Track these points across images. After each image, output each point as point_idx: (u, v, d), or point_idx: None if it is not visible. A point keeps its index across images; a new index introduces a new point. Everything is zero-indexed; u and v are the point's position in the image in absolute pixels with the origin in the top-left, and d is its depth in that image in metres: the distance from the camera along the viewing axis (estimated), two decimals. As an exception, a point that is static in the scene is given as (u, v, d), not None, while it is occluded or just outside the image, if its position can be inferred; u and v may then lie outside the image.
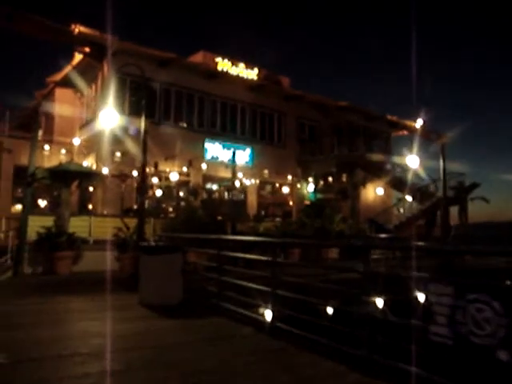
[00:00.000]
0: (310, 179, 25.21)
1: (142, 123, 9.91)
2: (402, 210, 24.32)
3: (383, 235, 18.11)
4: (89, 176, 12.25)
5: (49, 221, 11.86)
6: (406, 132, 32.47)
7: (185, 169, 19.25)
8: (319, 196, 25.71)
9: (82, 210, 16.22)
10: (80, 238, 11.87)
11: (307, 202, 25.65)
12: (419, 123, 30.98)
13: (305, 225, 16.55)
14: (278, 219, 19.93)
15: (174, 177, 19.23)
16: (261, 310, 5.83)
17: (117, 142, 16.77)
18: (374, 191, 26.73)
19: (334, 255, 17.02)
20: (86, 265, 12.06)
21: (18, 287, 9.73)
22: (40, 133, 17.68)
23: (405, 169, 22.21)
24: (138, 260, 10.40)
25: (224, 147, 22.03)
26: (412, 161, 16.84)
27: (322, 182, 25.52)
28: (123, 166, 17.69)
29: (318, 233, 16.95)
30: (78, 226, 12.41)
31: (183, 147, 19.86)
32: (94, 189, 17.54)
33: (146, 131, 9.96)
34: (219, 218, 14.64)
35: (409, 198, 26.62)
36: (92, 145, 17.89)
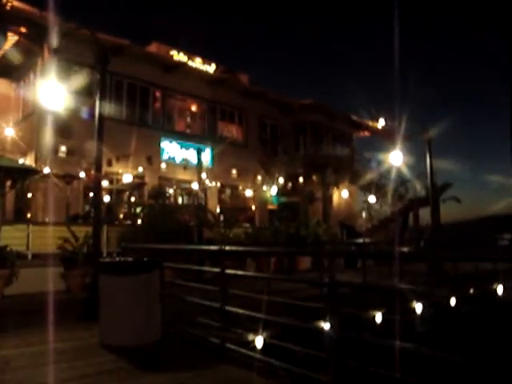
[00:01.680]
0: (275, 181, 23.55)
1: (97, 106, 7.75)
2: (371, 213, 23.08)
3: (360, 240, 16.65)
4: (25, 173, 9.77)
5: (-27, 231, 9.40)
6: (367, 133, 31.60)
7: (141, 169, 16.97)
8: (283, 199, 24.10)
9: (19, 218, 13.61)
10: (15, 253, 9.44)
11: (271, 206, 24.03)
12: (381, 123, 30.37)
13: (278, 231, 14.76)
14: (247, 225, 18.02)
15: (128, 178, 16.92)
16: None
17: (62, 132, 14.33)
18: (339, 193, 25.42)
19: (307, 264, 15.38)
20: (23, 285, 9.63)
21: None
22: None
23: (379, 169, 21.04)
24: (91, 279, 8.25)
25: (182, 147, 19.92)
26: (395, 158, 15.50)
27: (286, 184, 23.88)
28: (68, 166, 15.21)
29: (293, 239, 15.23)
30: (12, 237, 9.96)
31: (137, 146, 17.58)
32: (33, 192, 14.93)
33: (101, 116, 7.81)
34: (189, 223, 12.59)
35: (372, 200, 25.59)
36: (30, 141, 15.28)
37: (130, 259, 5.29)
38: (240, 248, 6.54)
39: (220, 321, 4.66)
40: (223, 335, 4.48)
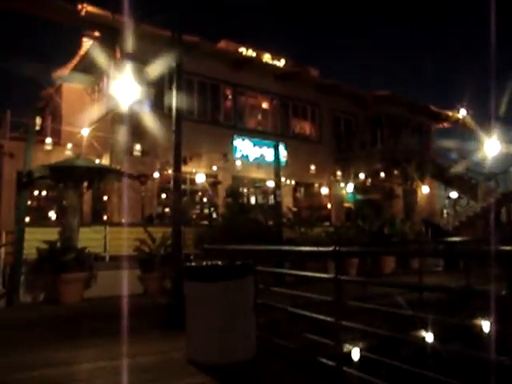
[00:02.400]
0: (352, 178, 22.36)
1: (174, 96, 7.17)
2: (457, 209, 21.25)
3: (454, 238, 15.11)
4: (103, 173, 9.45)
5: (53, 233, 9.18)
6: (446, 124, 29.48)
7: (215, 168, 16.50)
8: (360, 197, 22.83)
9: (96, 220, 13.52)
10: (93, 255, 9.15)
11: (347, 204, 22.87)
12: (462, 113, 28.14)
13: (363, 230, 13.68)
14: (326, 223, 17.05)
15: (201, 178, 16.52)
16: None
17: (136, 132, 14.16)
18: (420, 189, 23.72)
19: (391, 265, 14.15)
20: (101, 288, 9.34)
21: (6, 326, 7.00)
22: (49, 140, 15.01)
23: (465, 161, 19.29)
24: (171, 283, 7.72)
25: (255, 144, 19.26)
26: (491, 147, 13.88)
27: (364, 181, 22.59)
28: (143, 166, 15.00)
29: (377, 238, 14.09)
30: (90, 238, 9.71)
31: (210, 145, 17.14)
32: (109, 194, 14.87)
33: (179, 114, 7.23)
34: (267, 223, 11.87)
35: (454, 195, 23.69)
36: (105, 142, 15.25)
37: (219, 263, 4.56)
38: (356, 248, 5.62)
39: (329, 336, 3.81)
40: (337, 354, 3.62)
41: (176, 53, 7.42)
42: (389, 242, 13.95)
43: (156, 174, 15.20)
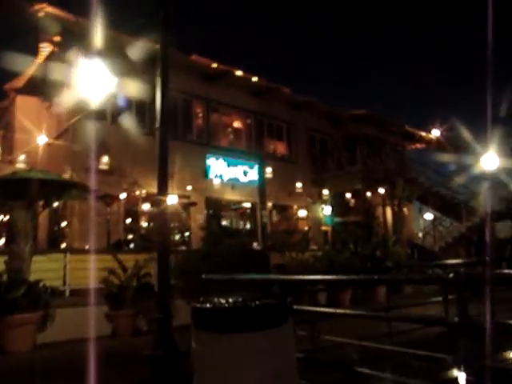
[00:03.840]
0: (328, 200, 21.30)
1: (159, 86, 5.71)
2: (441, 230, 20.46)
3: (455, 261, 14.08)
4: (63, 188, 7.65)
5: (-2, 263, 7.43)
6: (419, 145, 29.19)
7: (189, 187, 14.99)
8: (337, 219, 21.77)
9: (53, 246, 11.69)
10: (49, 289, 7.41)
11: (325, 228, 21.75)
12: (435, 133, 27.81)
13: (355, 253, 12.45)
14: (313, 247, 15.71)
15: (173, 200, 14.94)
16: None
17: (100, 149, 12.57)
18: (402, 210, 22.90)
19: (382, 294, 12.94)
20: (60, 331, 7.58)
21: None
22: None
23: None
24: (147, 324, 6.21)
25: (229, 164, 17.91)
26: (489, 162, 13.06)
27: (342, 202, 21.55)
28: (107, 187, 13.31)
29: (369, 262, 12.88)
30: (46, 269, 7.97)
31: (181, 164, 15.62)
32: (69, 217, 13.07)
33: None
34: (252, 247, 10.47)
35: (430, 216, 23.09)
36: (64, 159, 13.50)
37: (242, 301, 3.08)
38: (398, 277, 4.27)
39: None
40: None
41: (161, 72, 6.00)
42: (385, 268, 12.76)
43: (123, 195, 13.56)
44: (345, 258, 11.74)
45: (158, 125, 5.54)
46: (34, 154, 13.21)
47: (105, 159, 12.75)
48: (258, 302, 2.85)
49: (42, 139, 13.11)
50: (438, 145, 27.45)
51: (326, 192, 21.26)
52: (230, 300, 2.97)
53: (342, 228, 17.64)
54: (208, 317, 2.89)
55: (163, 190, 5.40)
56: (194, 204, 14.45)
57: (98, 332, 7.88)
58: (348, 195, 21.29)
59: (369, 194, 19.47)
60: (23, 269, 7.32)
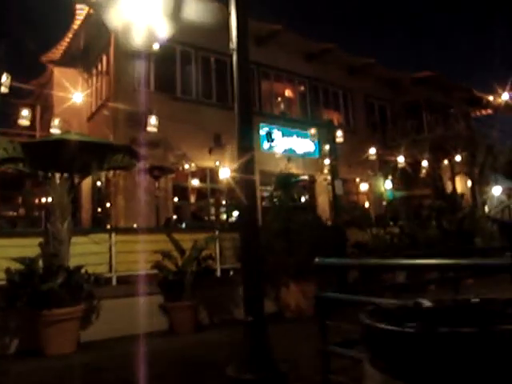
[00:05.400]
0: (390, 172, 19.33)
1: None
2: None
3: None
4: (107, 153, 6.04)
5: (32, 246, 6.11)
6: (484, 111, 26.46)
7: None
8: (399, 194, 19.79)
9: (96, 224, 10.43)
10: (92, 276, 6.04)
11: (386, 203, 19.83)
12: (505, 98, 25.05)
13: (443, 229, 10.59)
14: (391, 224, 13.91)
15: (225, 174, 13.48)
16: None
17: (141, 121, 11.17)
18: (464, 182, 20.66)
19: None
20: (106, 327, 6.24)
21: None
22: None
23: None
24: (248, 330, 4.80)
25: (284, 134, 16.22)
26: None
27: (405, 175, 19.51)
28: (152, 161, 11.89)
29: (454, 238, 10.98)
30: (88, 252, 6.63)
31: (232, 134, 14.08)
32: (114, 195, 11.78)
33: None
34: (326, 223, 8.85)
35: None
36: (105, 134, 12.10)
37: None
38: None
39: None
40: None
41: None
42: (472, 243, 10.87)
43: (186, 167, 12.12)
44: (433, 234, 9.92)
45: (232, 45, 3.92)
46: (74, 127, 11.94)
47: (150, 129, 11.26)
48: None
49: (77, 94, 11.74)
50: (508, 110, 24.72)
51: (386, 164, 19.30)
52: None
53: (402, 202, 15.76)
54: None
55: (247, 142, 3.86)
56: (250, 177, 12.83)
57: (152, 327, 6.54)
58: (413, 166, 19.19)
59: (433, 165, 17.32)
60: (61, 253, 5.96)
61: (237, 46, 3.89)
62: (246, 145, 3.81)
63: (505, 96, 24.77)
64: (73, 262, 5.97)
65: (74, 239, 6.27)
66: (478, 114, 26.41)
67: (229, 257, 7.92)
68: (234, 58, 3.95)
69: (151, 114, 10.91)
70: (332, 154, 9.67)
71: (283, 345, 3.96)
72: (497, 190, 21.62)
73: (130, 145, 6.99)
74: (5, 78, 6.99)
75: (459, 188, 19.90)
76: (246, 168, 3.81)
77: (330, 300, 2.98)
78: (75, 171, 6.09)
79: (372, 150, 16.85)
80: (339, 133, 12.95)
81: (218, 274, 7.87)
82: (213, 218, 14.76)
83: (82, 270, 5.97)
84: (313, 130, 12.14)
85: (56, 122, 9.93)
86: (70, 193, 6.03)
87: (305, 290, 7.28)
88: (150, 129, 10.81)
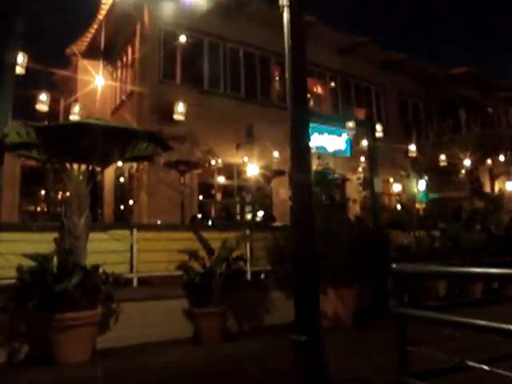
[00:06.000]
0: (423, 173, 18.45)
1: None
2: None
3: None
4: (129, 139, 5.39)
5: (46, 242, 5.56)
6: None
7: (276, 154, 12.76)
8: (433, 195, 18.87)
9: (118, 220, 9.89)
10: (111, 277, 5.44)
11: (419, 205, 18.91)
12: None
13: (488, 232, 9.70)
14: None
15: (253, 170, 12.83)
16: None
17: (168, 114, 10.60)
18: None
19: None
20: (125, 333, 5.62)
21: None
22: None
23: None
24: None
25: (314, 131, 15.48)
26: None
27: (439, 176, 18.56)
28: (178, 156, 11.31)
29: (504, 242, 10.06)
30: (106, 250, 6.05)
31: (261, 129, 13.45)
32: (137, 191, 11.25)
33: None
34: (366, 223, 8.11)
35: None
36: (131, 119, 11.66)
37: None
38: None
39: None
40: None
41: None
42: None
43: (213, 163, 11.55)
44: (478, 238, 9.05)
45: (285, 13, 3.25)
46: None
47: (176, 117, 10.70)
48: None
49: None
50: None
51: (421, 164, 18.42)
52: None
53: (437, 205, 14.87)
54: None
55: (303, 141, 3.22)
56: (282, 173, 12.14)
57: (175, 334, 5.91)
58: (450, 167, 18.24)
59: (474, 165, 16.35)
60: (77, 249, 5.36)
61: (289, 0, 3.19)
62: (302, 144, 3.13)
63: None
64: (90, 261, 5.37)
65: (92, 235, 5.67)
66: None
67: (260, 258, 7.25)
68: (285, 16, 3.25)
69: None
70: (371, 149, 8.89)
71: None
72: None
73: (155, 131, 6.34)
74: (21, 57, 6.47)
75: (498, 190, 18.87)
76: (301, 168, 3.11)
77: (411, 318, 2.28)
78: (95, 160, 5.50)
79: (412, 147, 15.96)
80: (378, 127, 12.18)
81: (248, 276, 7.20)
82: (238, 217, 14.17)
83: (100, 270, 5.36)
84: (351, 123, 11.34)
85: (76, 108, 9.38)
86: (88, 183, 5.45)
87: (343, 296, 6.58)
88: (176, 117, 10.26)
